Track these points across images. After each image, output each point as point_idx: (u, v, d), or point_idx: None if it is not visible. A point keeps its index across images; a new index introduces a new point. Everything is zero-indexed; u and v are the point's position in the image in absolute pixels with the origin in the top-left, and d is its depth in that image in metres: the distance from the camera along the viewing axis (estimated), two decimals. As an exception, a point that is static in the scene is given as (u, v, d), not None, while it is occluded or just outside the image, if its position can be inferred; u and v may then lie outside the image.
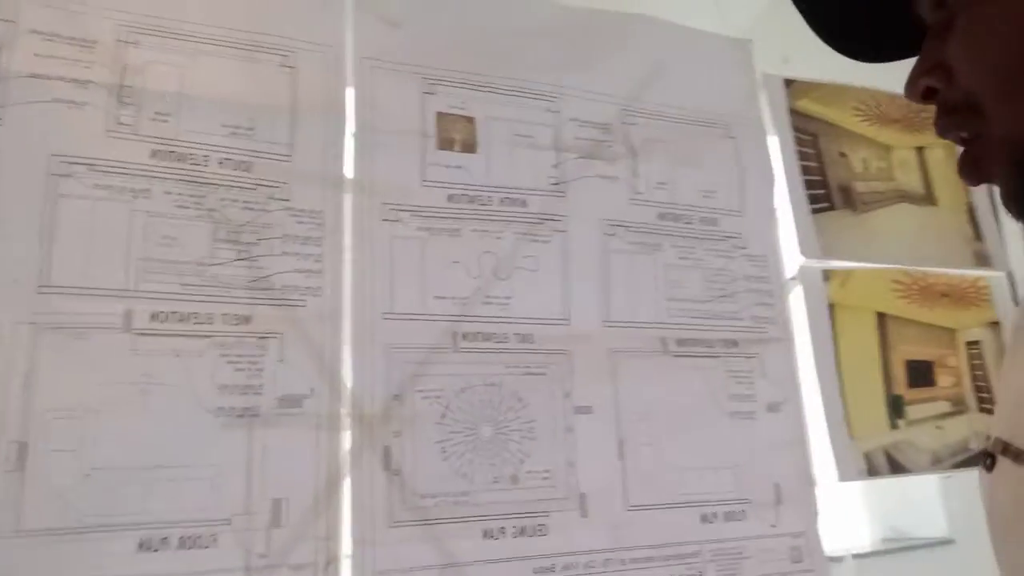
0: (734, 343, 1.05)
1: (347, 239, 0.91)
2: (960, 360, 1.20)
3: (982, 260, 1.27)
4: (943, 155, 1.34)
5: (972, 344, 1.22)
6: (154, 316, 0.79)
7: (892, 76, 0.57)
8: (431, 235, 0.94)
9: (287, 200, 0.88)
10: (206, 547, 0.76)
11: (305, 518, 0.80)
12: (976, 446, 1.15)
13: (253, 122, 0.89)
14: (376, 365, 0.87)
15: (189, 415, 0.78)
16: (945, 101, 0.46)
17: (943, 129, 0.47)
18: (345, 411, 0.85)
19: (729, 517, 0.97)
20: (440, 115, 0.98)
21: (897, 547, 2.35)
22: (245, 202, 0.86)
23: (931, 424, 1.14)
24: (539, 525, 0.88)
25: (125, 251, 0.80)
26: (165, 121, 0.84)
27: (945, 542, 2.49)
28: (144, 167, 0.83)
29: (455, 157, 0.97)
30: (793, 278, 1.14)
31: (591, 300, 0.99)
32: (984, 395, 1.19)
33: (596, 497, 0.91)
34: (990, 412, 1.18)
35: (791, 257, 1.16)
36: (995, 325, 1.25)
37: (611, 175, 1.05)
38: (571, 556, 0.88)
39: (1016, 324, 0.52)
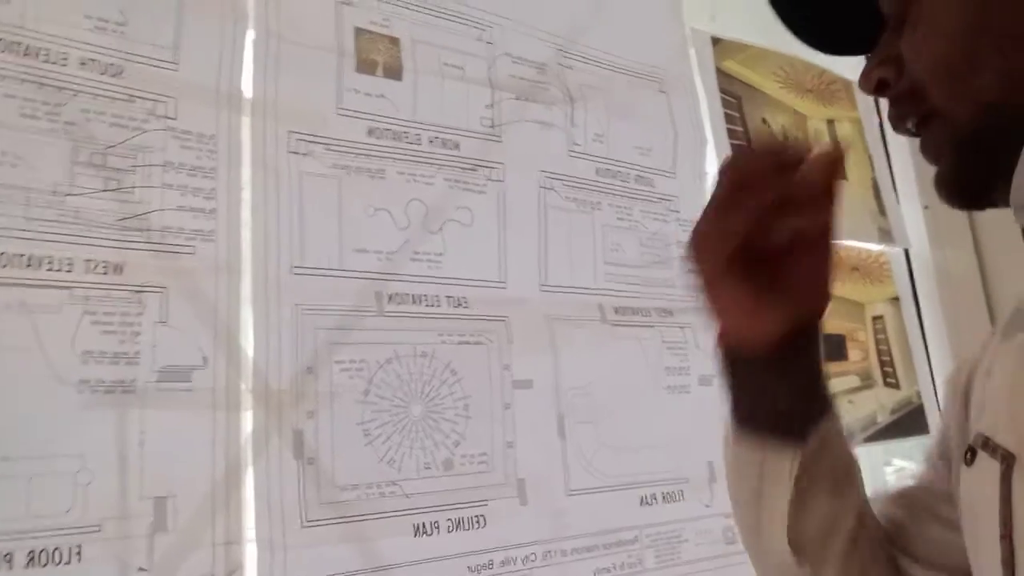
0: (669, 312, 1.02)
1: (246, 173, 0.77)
2: (867, 335, 1.26)
3: (885, 236, 1.35)
4: (849, 129, 1.40)
5: (877, 319, 1.29)
6: (-10, 259, 0.62)
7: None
8: (348, 174, 0.82)
9: (171, 119, 0.73)
10: (66, 563, 0.61)
11: (198, 520, 0.67)
12: (883, 420, 1.21)
13: (125, 16, 0.73)
14: (283, 330, 0.75)
15: (41, 390, 0.62)
16: (895, 92, 0.50)
17: (895, 120, 0.52)
18: (246, 386, 0.72)
19: (667, 499, 0.94)
20: (359, 31, 0.86)
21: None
22: (116, 116, 0.70)
23: (843, 398, 1.18)
24: (476, 516, 0.80)
25: (-53, 169, 0.62)
26: (6, 1, 0.66)
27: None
28: (-27, 59, 0.65)
29: (377, 83, 0.86)
30: (721, 246, 1.14)
31: (529, 261, 0.92)
32: (888, 370, 1.26)
33: (536, 482, 0.85)
34: (895, 387, 1.25)
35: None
36: (896, 301, 1.33)
37: (548, 121, 0.98)
38: (509, 550, 0.82)
39: (1008, 321, 0.54)
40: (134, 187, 0.70)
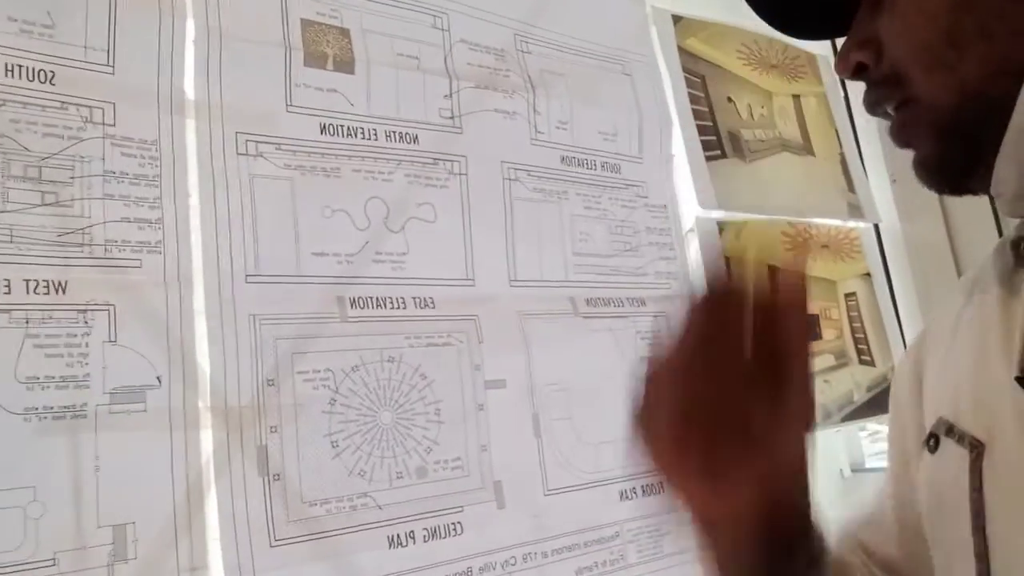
0: (642, 301, 1.02)
1: (192, 178, 0.74)
2: (841, 312, 1.27)
3: (855, 211, 1.35)
4: (815, 104, 1.40)
5: (849, 296, 1.29)
6: (-81, 284, 0.59)
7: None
8: (302, 175, 0.80)
9: (109, 125, 0.70)
10: (20, 601, 0.59)
11: (160, 546, 0.65)
12: (859, 398, 1.22)
13: (54, 18, 0.69)
14: (241, 342, 0.73)
15: (-16, 422, 0.60)
16: (874, 76, 0.50)
17: (871, 105, 0.51)
18: (204, 404, 0.70)
19: (647, 491, 0.94)
20: (306, 23, 0.83)
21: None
22: (49, 126, 0.67)
23: (819, 379, 1.19)
24: (453, 524, 0.79)
25: None
26: (-81, 4, 0.63)
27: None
28: None
29: (328, 77, 0.83)
30: (691, 230, 1.13)
31: (496, 256, 0.90)
32: (862, 347, 1.27)
33: (513, 484, 0.84)
34: (870, 364, 1.26)
35: (687, 208, 1.14)
36: (867, 277, 1.33)
37: (510, 110, 0.96)
38: (488, 555, 0.81)
39: (958, 310, 0.54)
40: (73, 200, 0.67)
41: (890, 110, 0.50)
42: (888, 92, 0.50)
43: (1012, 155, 0.44)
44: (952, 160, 0.48)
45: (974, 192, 0.50)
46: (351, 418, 0.76)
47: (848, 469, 1.92)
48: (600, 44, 1.09)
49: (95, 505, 0.63)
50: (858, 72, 0.51)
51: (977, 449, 0.45)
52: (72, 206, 0.67)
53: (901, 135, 0.50)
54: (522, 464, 0.85)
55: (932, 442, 0.50)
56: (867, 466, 2.87)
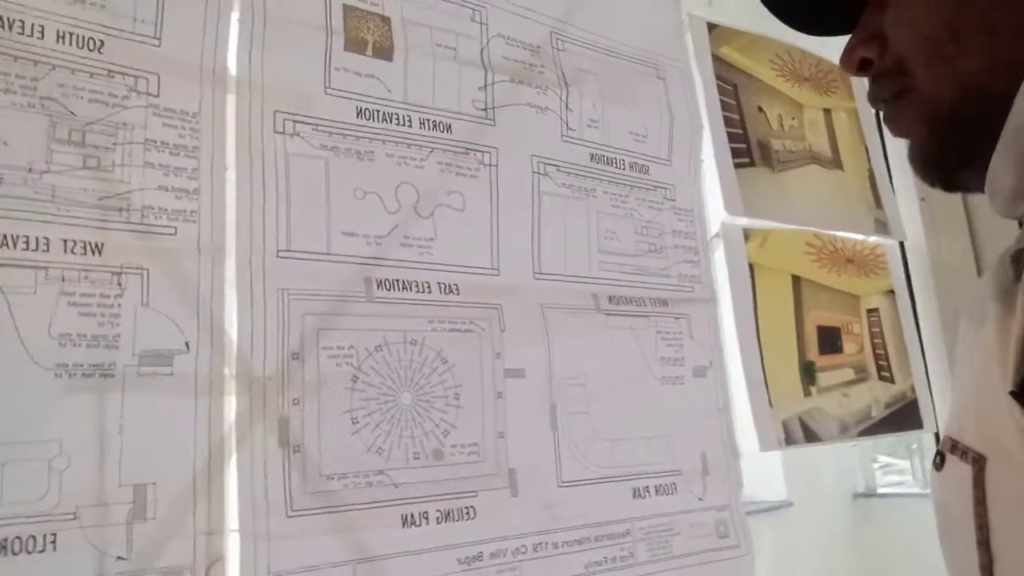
0: (664, 302, 1.01)
1: (230, 152, 0.75)
2: (862, 328, 1.26)
3: (881, 227, 1.34)
4: (846, 119, 1.40)
5: (872, 311, 1.28)
6: (-37, 237, 0.61)
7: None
8: (337, 156, 0.81)
9: (153, 95, 0.71)
10: (40, 551, 0.59)
11: (178, 508, 0.65)
12: (877, 414, 1.21)
13: (104, -13, 0.71)
14: (269, 315, 0.74)
15: (17, 374, 0.61)
16: (878, 70, 0.50)
17: (874, 97, 0.52)
18: (230, 372, 0.71)
19: (660, 491, 0.93)
20: (348, 8, 0.84)
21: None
22: (95, 92, 0.68)
23: (839, 391, 1.18)
24: (466, 507, 0.79)
25: (-83, 143, 0.60)
26: (-22, -33, 0.64)
27: (785, 505, 2.75)
28: (-55, 28, 0.63)
29: (367, 63, 0.84)
30: (717, 235, 1.13)
31: (522, 248, 0.90)
32: (883, 363, 1.26)
33: (527, 473, 0.84)
34: (889, 380, 1.25)
35: (713, 213, 1.14)
36: (891, 294, 1.32)
37: (542, 106, 0.96)
38: (500, 542, 0.80)
39: (963, 329, 0.53)
40: (114, 165, 0.68)
41: (888, 97, 0.50)
42: (891, 83, 0.50)
43: (1008, 152, 0.43)
44: (945, 153, 0.48)
45: (968, 189, 0.50)
46: (372, 396, 0.76)
47: (862, 486, 1.91)
48: (635, 47, 1.09)
49: (118, 463, 0.64)
50: (863, 68, 0.51)
51: (979, 463, 0.45)
52: (113, 171, 0.68)
53: (896, 123, 0.51)
54: (537, 454, 0.85)
55: (938, 460, 0.50)
56: (878, 491, 2.84)
